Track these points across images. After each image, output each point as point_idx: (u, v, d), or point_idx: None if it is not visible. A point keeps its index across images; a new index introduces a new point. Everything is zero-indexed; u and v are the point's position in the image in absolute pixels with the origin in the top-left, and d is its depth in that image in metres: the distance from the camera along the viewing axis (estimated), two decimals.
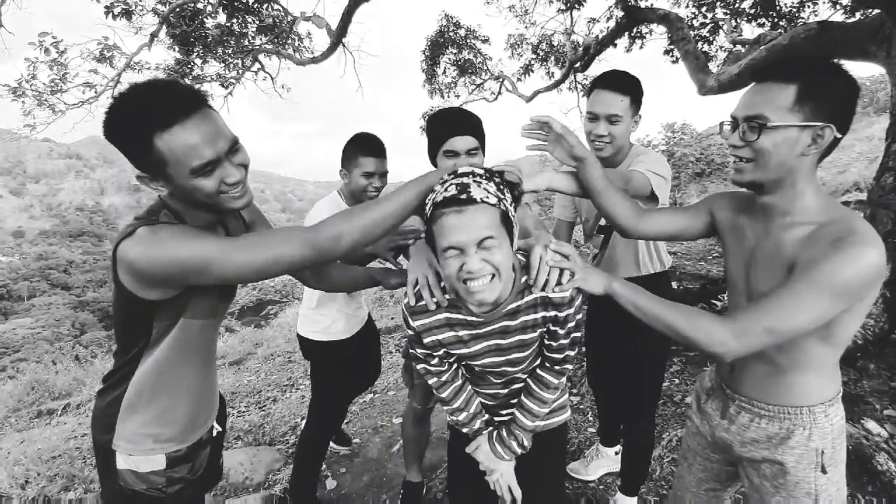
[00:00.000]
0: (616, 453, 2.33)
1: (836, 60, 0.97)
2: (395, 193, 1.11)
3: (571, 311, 1.16)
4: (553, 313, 1.17)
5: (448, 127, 1.51)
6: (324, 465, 2.61)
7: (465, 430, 1.39)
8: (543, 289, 1.13)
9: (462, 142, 1.49)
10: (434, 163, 1.62)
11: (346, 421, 3.23)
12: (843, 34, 4.24)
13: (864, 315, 0.99)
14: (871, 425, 2.28)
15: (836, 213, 0.99)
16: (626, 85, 1.59)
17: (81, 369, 8.09)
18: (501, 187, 1.05)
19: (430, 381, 1.35)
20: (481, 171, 1.05)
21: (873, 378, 2.71)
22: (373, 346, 2.38)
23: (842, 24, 4.42)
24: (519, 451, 1.33)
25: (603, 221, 1.82)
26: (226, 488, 2.42)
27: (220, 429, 1.41)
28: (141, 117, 0.92)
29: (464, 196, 0.98)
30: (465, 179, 1.01)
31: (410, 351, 1.35)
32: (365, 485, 2.44)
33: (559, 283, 1.12)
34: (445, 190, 1.01)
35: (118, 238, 1.01)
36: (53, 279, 67.98)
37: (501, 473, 1.33)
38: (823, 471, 1.07)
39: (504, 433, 1.33)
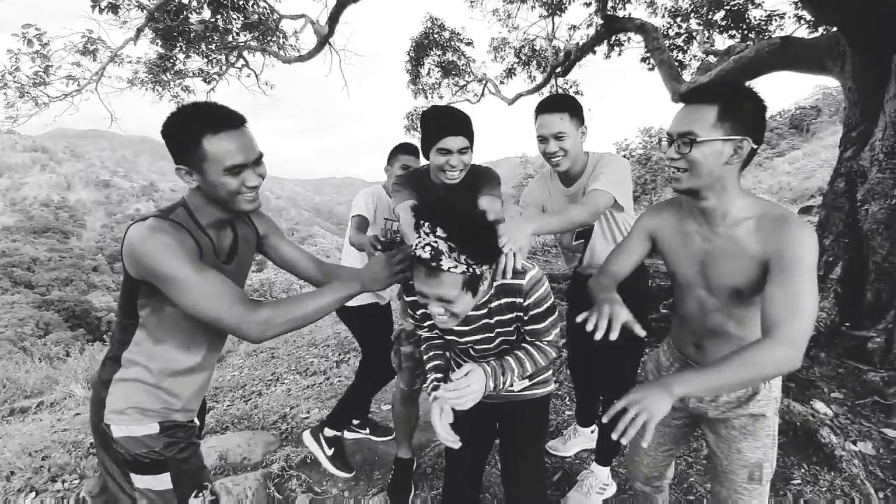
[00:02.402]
0: (592, 431, 2.52)
1: (747, 84, 1.16)
2: (322, 294, 1.26)
3: (532, 299, 1.33)
4: (514, 300, 1.34)
5: (442, 126, 1.68)
6: None
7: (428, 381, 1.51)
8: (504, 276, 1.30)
9: (454, 141, 1.68)
10: (427, 156, 1.81)
11: None
12: (803, 49, 4.56)
13: None
14: (819, 406, 2.52)
15: (764, 205, 1.20)
16: (562, 104, 1.79)
17: (53, 368, 7.91)
18: (476, 251, 1.16)
19: (423, 338, 1.57)
20: (458, 236, 1.14)
21: (824, 365, 2.97)
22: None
23: (802, 41, 4.75)
24: (493, 378, 1.35)
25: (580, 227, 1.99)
26: (225, 468, 2.51)
27: (197, 423, 1.47)
28: (198, 120, 1.15)
29: (433, 264, 1.14)
30: (439, 246, 1.14)
31: (409, 316, 1.51)
32: (357, 463, 2.56)
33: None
34: (423, 249, 1.15)
35: (131, 221, 1.19)
36: (16, 277, 65.20)
37: (473, 390, 1.33)
38: (775, 414, 1.31)
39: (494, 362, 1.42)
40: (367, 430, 2.82)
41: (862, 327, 3.10)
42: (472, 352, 1.51)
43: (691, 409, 1.41)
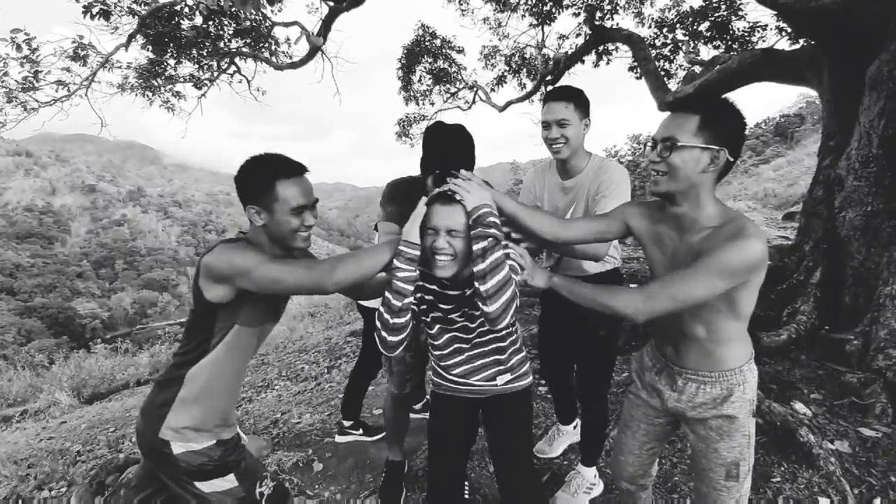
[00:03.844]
0: (574, 427, 2.58)
1: (728, 97, 1.23)
2: (376, 248, 1.44)
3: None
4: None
5: (449, 155, 1.69)
6: (310, 451, 2.73)
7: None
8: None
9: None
10: (424, 173, 1.82)
11: (328, 413, 3.35)
12: (784, 61, 4.71)
13: (756, 293, 1.26)
14: (799, 406, 2.60)
15: (730, 216, 1.25)
16: (568, 94, 1.86)
17: (38, 376, 7.78)
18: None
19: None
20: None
21: (804, 367, 3.06)
22: None
23: (783, 52, 4.90)
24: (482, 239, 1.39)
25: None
26: None
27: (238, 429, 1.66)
28: (273, 167, 1.39)
29: (450, 194, 1.40)
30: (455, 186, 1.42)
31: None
32: (349, 466, 2.58)
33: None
34: (443, 188, 1.43)
35: (203, 253, 1.38)
36: None
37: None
38: (753, 416, 1.37)
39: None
40: (360, 431, 2.85)
41: (840, 330, 3.20)
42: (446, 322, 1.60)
43: (671, 408, 1.47)
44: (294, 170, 1.41)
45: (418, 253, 1.39)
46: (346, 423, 2.84)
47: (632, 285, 5.04)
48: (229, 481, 1.46)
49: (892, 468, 2.17)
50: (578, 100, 1.85)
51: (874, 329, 2.94)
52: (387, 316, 1.42)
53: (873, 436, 2.38)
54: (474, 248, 1.37)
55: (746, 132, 1.24)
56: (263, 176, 1.38)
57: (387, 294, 1.42)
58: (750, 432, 1.37)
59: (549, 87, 9.31)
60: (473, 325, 1.57)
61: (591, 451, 2.18)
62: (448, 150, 1.72)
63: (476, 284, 1.36)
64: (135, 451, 3.19)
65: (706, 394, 1.38)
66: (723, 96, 1.24)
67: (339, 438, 2.85)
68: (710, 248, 1.18)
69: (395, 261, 1.39)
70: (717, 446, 1.38)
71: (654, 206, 1.44)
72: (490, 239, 1.35)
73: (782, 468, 2.21)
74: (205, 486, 1.44)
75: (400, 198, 1.88)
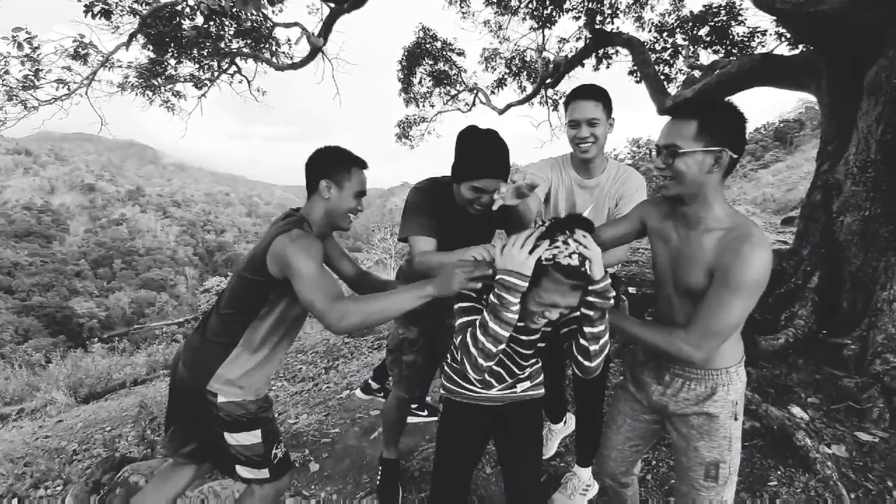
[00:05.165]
0: (564, 423, 2.60)
1: (727, 99, 1.24)
2: (395, 294, 1.42)
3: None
4: None
5: (482, 168, 1.60)
6: (307, 451, 2.73)
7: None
8: None
9: (491, 184, 1.59)
10: (456, 181, 1.68)
11: (325, 414, 3.34)
12: (782, 66, 4.72)
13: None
14: (796, 410, 2.60)
15: (737, 220, 1.27)
16: (597, 93, 1.84)
17: (35, 375, 7.76)
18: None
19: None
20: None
21: (801, 371, 3.06)
22: None
23: (781, 58, 4.92)
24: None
25: None
26: (212, 471, 2.50)
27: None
28: (352, 156, 1.69)
29: (582, 270, 1.19)
30: (583, 252, 1.19)
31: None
32: (346, 467, 2.58)
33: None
34: (569, 257, 1.18)
35: (278, 231, 1.54)
36: None
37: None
38: (735, 418, 1.37)
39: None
40: (426, 413, 2.99)
41: (838, 335, 3.20)
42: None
43: (654, 400, 1.48)
44: (364, 164, 1.71)
45: (526, 285, 1.24)
46: (414, 406, 2.85)
47: (630, 289, 5.04)
48: (255, 436, 1.65)
49: (888, 473, 2.17)
50: (606, 99, 1.84)
51: (872, 333, 2.94)
52: (480, 361, 1.31)
53: (870, 440, 2.38)
54: (587, 311, 1.28)
55: (746, 129, 1.25)
56: (345, 158, 1.67)
57: (479, 336, 1.29)
58: (731, 435, 1.38)
59: (552, 89, 9.37)
60: (519, 349, 1.50)
61: (586, 451, 2.18)
62: (487, 163, 1.60)
63: (583, 342, 1.31)
64: (130, 451, 3.18)
65: (690, 390, 1.39)
66: (719, 98, 1.26)
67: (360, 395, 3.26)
68: (726, 266, 1.20)
69: (495, 298, 1.26)
70: (698, 444, 1.39)
71: (664, 202, 1.46)
72: (610, 303, 1.28)
73: (779, 472, 2.21)
74: (231, 438, 1.62)
75: (431, 212, 1.75)
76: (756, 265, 1.16)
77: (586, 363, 1.33)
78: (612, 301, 1.27)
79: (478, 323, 1.31)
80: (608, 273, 1.30)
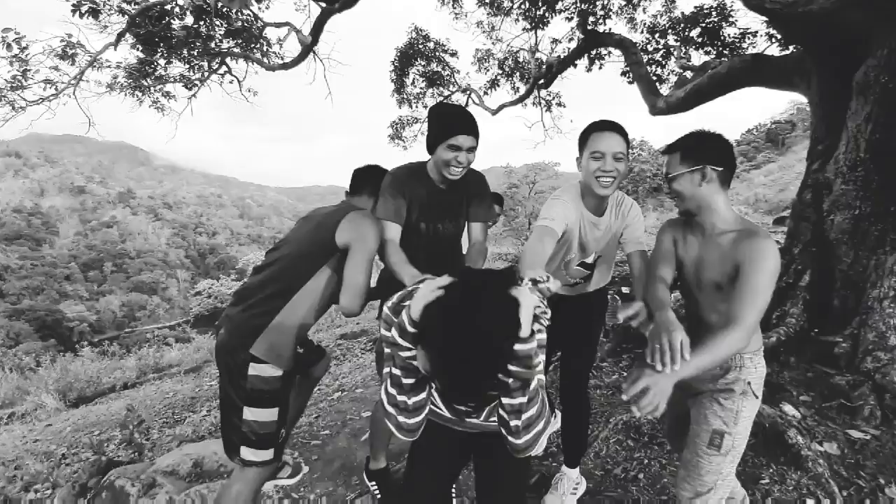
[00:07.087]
0: (554, 417, 2.57)
1: (702, 129, 1.55)
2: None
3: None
4: None
5: (455, 124, 1.79)
6: (297, 453, 2.69)
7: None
8: None
9: (465, 140, 1.79)
10: (432, 150, 1.87)
11: (315, 416, 3.31)
12: (772, 67, 4.75)
13: None
14: (788, 408, 2.60)
15: (742, 223, 1.51)
16: (622, 128, 1.77)
17: (25, 379, 7.66)
18: None
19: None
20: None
21: (793, 370, 3.07)
22: None
23: (772, 58, 4.95)
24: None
25: (589, 259, 2.02)
26: (201, 475, 2.46)
27: None
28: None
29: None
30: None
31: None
32: (336, 470, 2.55)
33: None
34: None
35: (350, 208, 1.80)
36: None
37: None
38: (746, 395, 1.51)
39: None
40: None
41: (829, 333, 3.21)
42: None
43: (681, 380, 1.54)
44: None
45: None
46: None
47: (623, 289, 5.05)
48: (272, 414, 1.70)
49: (880, 470, 2.17)
50: (627, 137, 1.80)
51: (863, 332, 2.95)
52: (402, 420, 1.15)
53: (862, 438, 2.39)
54: (505, 378, 1.09)
55: (728, 142, 1.53)
56: (446, 127, 1.83)
57: (393, 371, 1.15)
58: (739, 409, 1.50)
59: (545, 90, 9.38)
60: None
61: (574, 451, 2.18)
62: (460, 121, 1.79)
63: (503, 414, 1.13)
64: (118, 455, 3.13)
65: (706, 371, 1.45)
66: (696, 131, 1.56)
67: None
68: (747, 260, 1.40)
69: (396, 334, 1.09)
70: (707, 412, 1.53)
71: (679, 220, 1.72)
72: (533, 374, 1.10)
73: (771, 470, 2.21)
74: (250, 413, 1.67)
75: (402, 192, 1.92)
76: (768, 255, 1.37)
77: (511, 439, 1.13)
78: (536, 371, 1.10)
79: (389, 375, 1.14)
80: (535, 335, 1.09)
